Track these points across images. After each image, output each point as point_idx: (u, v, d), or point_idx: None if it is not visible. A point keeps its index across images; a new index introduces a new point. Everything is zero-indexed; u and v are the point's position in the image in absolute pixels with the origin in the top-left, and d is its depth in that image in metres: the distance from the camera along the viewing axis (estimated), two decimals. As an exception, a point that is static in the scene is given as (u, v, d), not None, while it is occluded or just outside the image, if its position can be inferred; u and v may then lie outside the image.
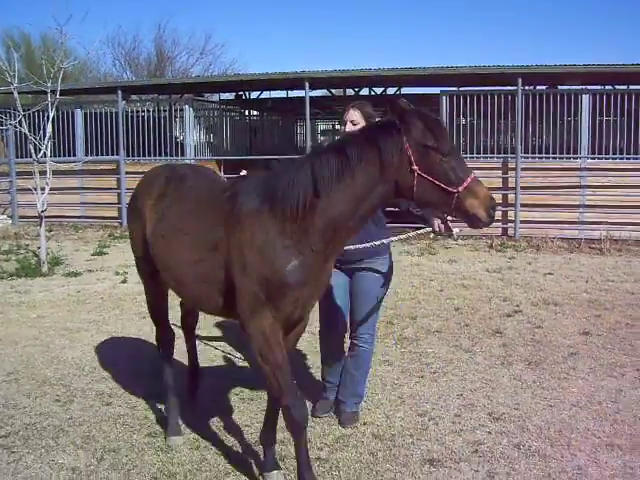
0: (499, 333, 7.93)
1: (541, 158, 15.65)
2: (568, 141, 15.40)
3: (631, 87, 17.53)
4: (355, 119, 5.14)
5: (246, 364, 6.97)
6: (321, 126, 41.76)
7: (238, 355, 7.23)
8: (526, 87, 17.30)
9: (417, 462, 4.85)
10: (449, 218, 4.33)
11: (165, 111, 19.45)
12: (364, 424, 5.49)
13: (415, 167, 3.73)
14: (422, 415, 5.65)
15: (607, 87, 17.79)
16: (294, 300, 4.10)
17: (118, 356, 7.25)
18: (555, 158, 15.45)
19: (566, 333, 7.94)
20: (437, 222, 4.68)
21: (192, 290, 4.63)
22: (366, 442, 5.17)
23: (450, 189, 3.72)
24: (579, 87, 16.08)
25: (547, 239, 13.88)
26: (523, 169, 14.80)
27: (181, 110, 17.81)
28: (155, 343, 5.68)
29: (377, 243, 5.13)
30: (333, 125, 40.61)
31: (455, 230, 4.44)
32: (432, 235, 5.05)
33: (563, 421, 5.52)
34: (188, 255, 4.47)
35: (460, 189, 3.71)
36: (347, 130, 5.10)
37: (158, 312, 5.47)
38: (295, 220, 3.94)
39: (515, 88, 15.19)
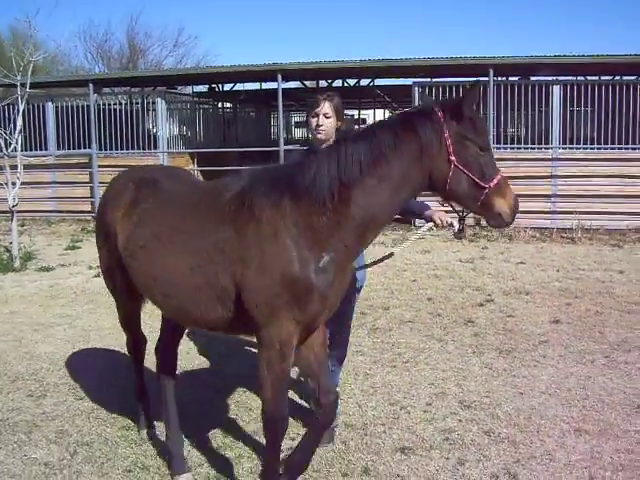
0: (471, 322, 8.01)
1: (513, 148, 15.75)
2: (540, 131, 15.54)
3: (602, 78, 17.76)
4: (329, 112, 4.94)
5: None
6: (295, 118, 41.74)
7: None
8: (499, 78, 17.49)
9: (389, 450, 4.92)
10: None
11: (137, 104, 19.36)
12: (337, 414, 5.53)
13: (453, 158, 3.61)
14: (394, 404, 5.71)
15: (578, 78, 17.92)
16: (322, 302, 3.79)
17: (91, 351, 7.24)
18: (527, 148, 15.57)
19: (537, 321, 8.04)
20: (437, 216, 4.65)
21: (184, 302, 4.12)
22: (338, 431, 5.21)
23: (482, 184, 3.65)
24: (550, 78, 16.18)
25: (520, 229, 14.01)
26: (496, 159, 14.80)
27: (153, 103, 17.72)
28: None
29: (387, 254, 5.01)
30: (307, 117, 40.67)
31: (456, 226, 4.32)
32: (432, 231, 4.91)
33: (533, 408, 5.60)
34: (181, 263, 4.01)
35: (491, 185, 3.67)
36: (320, 123, 4.92)
37: (130, 322, 5.10)
38: (324, 212, 3.68)
39: (487, 79, 15.25)
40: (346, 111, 37.06)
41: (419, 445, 4.99)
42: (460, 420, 5.39)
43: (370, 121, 39.04)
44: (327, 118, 4.94)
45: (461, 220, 4.09)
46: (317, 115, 4.94)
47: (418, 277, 10.44)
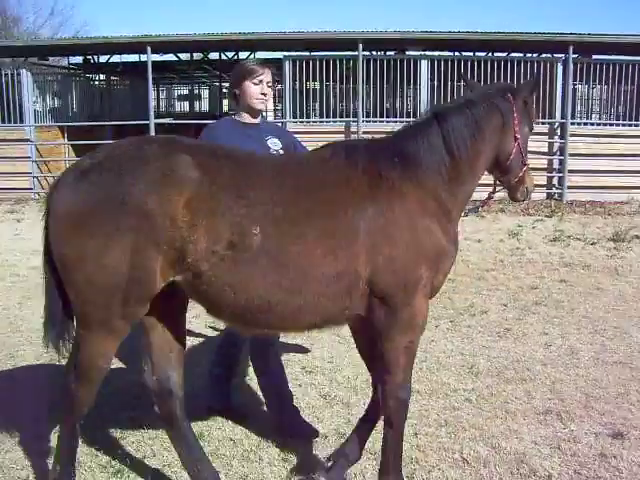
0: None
1: (382, 122, 16.04)
2: (408, 106, 15.90)
3: (477, 54, 18.35)
4: (271, 81, 4.63)
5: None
6: (178, 91, 41.17)
7: None
8: (373, 53, 17.76)
9: (222, 416, 5.03)
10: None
11: (6, 75, 18.61)
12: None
13: (518, 136, 3.88)
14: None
15: (448, 53, 18.37)
16: (448, 273, 3.81)
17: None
18: (396, 122, 15.88)
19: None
20: None
21: (298, 300, 3.45)
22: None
23: (526, 161, 3.99)
24: (418, 53, 16.54)
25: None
26: (365, 132, 15.12)
27: (19, 75, 17.08)
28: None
29: None
30: (190, 90, 40.18)
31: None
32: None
33: (372, 371, 5.83)
34: (311, 251, 3.40)
35: (528, 163, 4.01)
36: (265, 91, 4.59)
37: (99, 374, 3.63)
38: (445, 186, 3.70)
39: (357, 53, 15.46)
40: (226, 84, 36.81)
41: (256, 410, 5.13)
42: (300, 385, 5.58)
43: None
44: (269, 87, 4.64)
45: (491, 196, 4.26)
46: (261, 82, 4.57)
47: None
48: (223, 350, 5.12)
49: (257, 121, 4.74)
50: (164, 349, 3.87)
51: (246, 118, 4.69)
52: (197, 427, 4.82)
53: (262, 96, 4.60)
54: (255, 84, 4.57)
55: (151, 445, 4.63)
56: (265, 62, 4.71)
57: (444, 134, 3.72)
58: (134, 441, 4.68)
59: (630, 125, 15.77)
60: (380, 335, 3.60)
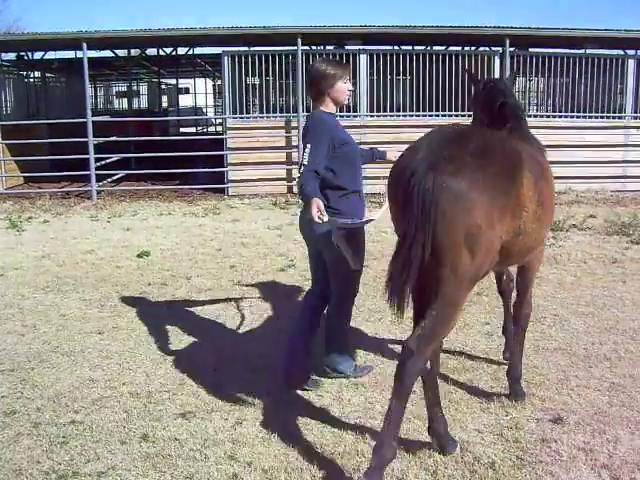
0: (269, 288, 8.19)
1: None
2: (348, 99, 15.89)
3: (417, 47, 18.48)
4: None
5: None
6: (116, 88, 40.55)
7: None
8: (313, 47, 17.74)
9: (170, 416, 4.98)
10: None
11: None
12: (123, 384, 5.55)
13: None
14: (182, 372, 5.77)
15: (386, 47, 18.47)
16: None
17: None
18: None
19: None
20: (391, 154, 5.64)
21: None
22: (122, 401, 5.23)
23: None
24: (357, 47, 16.59)
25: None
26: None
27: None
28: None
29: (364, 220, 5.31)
30: (129, 87, 39.65)
31: None
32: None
33: (316, 366, 5.79)
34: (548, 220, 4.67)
35: None
36: (350, 87, 5.32)
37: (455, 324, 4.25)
38: None
39: (296, 48, 15.44)
40: (165, 80, 36.36)
41: (201, 409, 5.08)
42: (245, 382, 5.53)
43: (193, 90, 38.64)
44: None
45: None
46: (348, 80, 5.30)
47: (224, 246, 10.52)
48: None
49: None
50: None
51: (334, 112, 5.35)
52: (141, 429, 4.78)
53: (349, 92, 5.33)
54: (344, 83, 5.22)
55: (95, 448, 4.54)
56: (343, 62, 5.52)
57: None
58: (77, 445, 4.59)
59: (566, 116, 16.08)
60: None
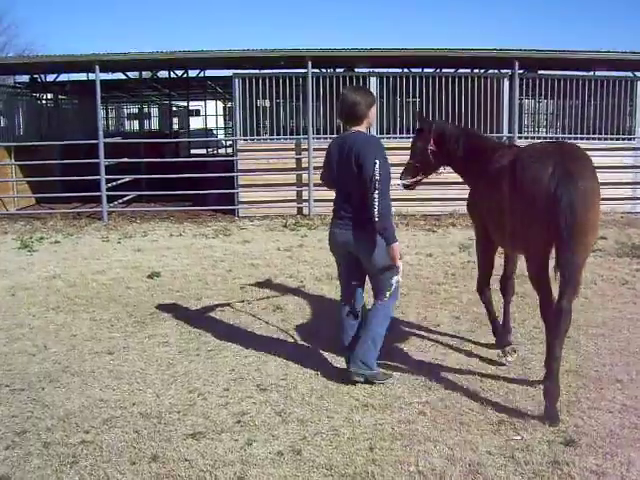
0: (279, 309, 8.20)
1: (332, 139, 16.06)
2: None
3: (426, 70, 18.60)
4: None
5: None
6: (127, 109, 40.80)
7: None
8: (323, 70, 17.88)
9: (180, 437, 4.98)
10: None
11: (-52, 94, 18.29)
12: (133, 404, 5.55)
13: None
14: (192, 392, 5.78)
15: (396, 70, 18.57)
16: None
17: None
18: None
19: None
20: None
21: None
22: (132, 421, 5.23)
23: None
24: (367, 70, 16.70)
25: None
26: (315, 149, 15.18)
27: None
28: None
29: None
30: (140, 108, 39.87)
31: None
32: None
33: (326, 387, 5.83)
34: None
35: None
36: None
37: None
38: None
39: (306, 71, 15.53)
40: (176, 102, 36.56)
41: (211, 429, 5.08)
42: (254, 403, 5.54)
43: (203, 112, 38.86)
44: None
45: None
46: None
47: (234, 267, 10.53)
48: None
49: None
50: None
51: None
52: (151, 449, 4.78)
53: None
54: (374, 107, 5.91)
55: (105, 468, 4.55)
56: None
57: None
58: (87, 465, 4.60)
59: (576, 138, 16.08)
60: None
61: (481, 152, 6.37)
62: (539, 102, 19.16)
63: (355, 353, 5.79)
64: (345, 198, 5.75)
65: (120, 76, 22.58)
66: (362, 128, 5.76)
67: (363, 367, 5.77)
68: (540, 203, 5.09)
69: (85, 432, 5.08)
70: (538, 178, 5.12)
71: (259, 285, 9.35)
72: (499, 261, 6.83)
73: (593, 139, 16.09)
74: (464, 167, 6.63)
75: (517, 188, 5.32)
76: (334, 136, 15.68)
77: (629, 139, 16.36)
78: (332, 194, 6.02)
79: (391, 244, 5.53)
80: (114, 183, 16.74)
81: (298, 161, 15.75)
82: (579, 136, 16.14)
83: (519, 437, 4.89)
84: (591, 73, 17.78)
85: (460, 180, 6.82)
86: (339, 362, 6.35)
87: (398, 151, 15.38)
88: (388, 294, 5.75)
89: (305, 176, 15.52)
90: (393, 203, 5.62)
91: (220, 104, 41.41)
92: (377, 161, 5.39)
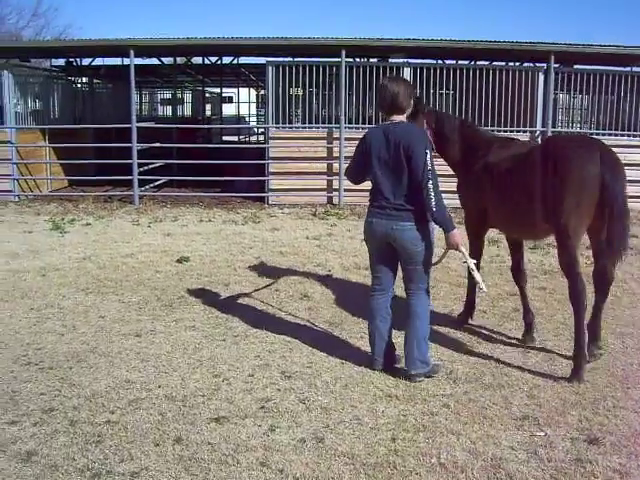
0: (306, 297, 8.22)
1: (364, 128, 16.02)
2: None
3: (460, 62, 18.47)
4: None
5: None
6: (161, 95, 40.98)
7: None
8: (356, 59, 17.83)
9: (204, 420, 5.02)
10: None
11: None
12: (159, 387, 5.61)
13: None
14: (217, 376, 5.82)
15: (430, 61, 18.45)
16: None
17: None
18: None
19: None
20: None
21: None
22: (157, 404, 5.29)
23: None
24: (401, 60, 16.60)
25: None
26: (346, 139, 15.15)
27: (0, 76, 16.97)
28: None
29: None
30: (173, 94, 40.03)
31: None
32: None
33: (351, 376, 5.84)
34: None
35: None
36: None
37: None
38: None
39: (339, 60, 15.49)
40: (209, 89, 36.66)
41: (235, 414, 5.12)
42: (279, 389, 5.57)
43: (236, 99, 38.93)
44: None
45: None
46: None
47: (263, 254, 10.56)
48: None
49: None
50: None
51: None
52: (175, 432, 4.83)
53: None
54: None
55: (129, 449, 4.60)
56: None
57: None
58: (112, 444, 4.66)
59: (610, 134, 15.89)
60: None
61: (481, 142, 6.73)
62: (574, 97, 18.91)
63: (412, 356, 5.77)
64: (390, 189, 5.66)
65: (154, 61, 22.65)
66: (404, 118, 5.74)
67: (422, 366, 5.78)
68: (593, 182, 5.56)
69: (111, 412, 5.14)
70: (591, 162, 5.59)
71: (286, 273, 9.37)
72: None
73: (627, 136, 15.89)
74: (460, 156, 6.92)
75: (562, 172, 5.62)
76: (366, 126, 15.85)
77: (665, 136, 16.12)
78: (363, 185, 6.03)
79: (451, 231, 5.60)
80: (146, 167, 16.86)
81: (329, 150, 15.73)
82: (613, 132, 15.95)
83: (542, 433, 4.87)
84: (628, 69, 17.53)
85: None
86: (365, 350, 6.35)
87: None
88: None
89: (336, 165, 15.50)
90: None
91: (253, 91, 41.44)
92: (427, 152, 5.45)
